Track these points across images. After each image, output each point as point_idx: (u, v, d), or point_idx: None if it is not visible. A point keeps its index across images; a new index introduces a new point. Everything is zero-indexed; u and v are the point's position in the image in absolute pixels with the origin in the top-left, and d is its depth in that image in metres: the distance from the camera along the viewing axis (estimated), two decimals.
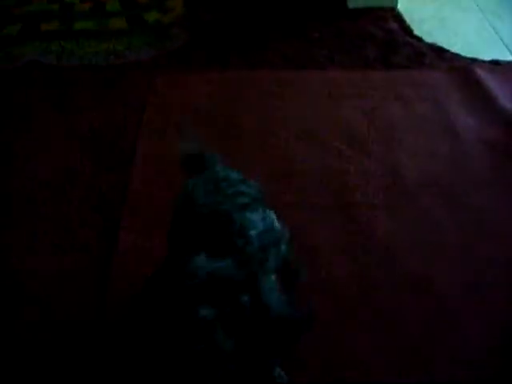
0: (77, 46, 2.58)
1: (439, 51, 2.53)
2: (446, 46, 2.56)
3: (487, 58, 2.48)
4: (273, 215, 1.36)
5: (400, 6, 2.84)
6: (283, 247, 1.37)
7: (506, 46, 2.59)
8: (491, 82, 2.32)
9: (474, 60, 2.47)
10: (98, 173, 1.97)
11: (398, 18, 2.78)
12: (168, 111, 2.21)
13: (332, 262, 1.65)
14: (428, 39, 2.61)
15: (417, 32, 2.66)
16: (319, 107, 2.23)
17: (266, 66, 2.47)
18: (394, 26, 2.73)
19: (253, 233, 1.23)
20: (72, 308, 1.56)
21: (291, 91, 2.31)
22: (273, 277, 1.23)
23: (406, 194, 1.87)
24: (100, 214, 1.82)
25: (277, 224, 1.36)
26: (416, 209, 1.82)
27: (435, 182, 1.90)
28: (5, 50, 2.55)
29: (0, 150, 2.08)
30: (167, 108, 2.23)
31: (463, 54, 2.52)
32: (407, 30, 2.68)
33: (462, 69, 2.41)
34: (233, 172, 1.38)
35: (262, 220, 1.28)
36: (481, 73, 2.37)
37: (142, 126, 2.13)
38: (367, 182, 1.89)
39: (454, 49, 2.54)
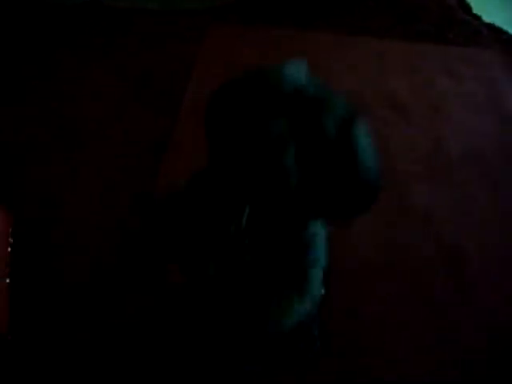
0: None
1: (497, 32, 2.49)
2: (505, 27, 2.52)
3: None
4: None
5: None
6: None
7: None
8: None
9: None
10: (145, 114, 2.01)
11: None
12: (218, 63, 2.24)
13: (366, 223, 1.68)
14: (487, 19, 2.58)
15: (476, 10, 2.62)
16: (369, 74, 2.22)
17: (318, 30, 2.48)
18: (453, 2, 2.69)
19: None
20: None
21: (342, 55, 2.31)
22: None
23: (446, 166, 1.87)
24: (143, 152, 1.89)
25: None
26: (454, 181, 1.83)
27: (477, 158, 1.90)
28: None
29: (50, 85, 2.14)
30: (217, 59, 2.25)
31: None
32: (466, 8, 2.63)
33: None
34: None
35: None
36: None
37: (192, 74, 2.17)
38: (409, 149, 1.91)
39: None
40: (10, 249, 1.52)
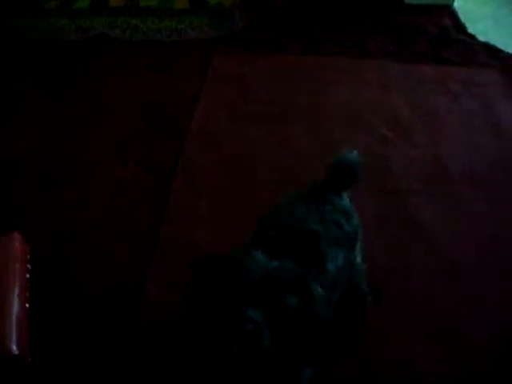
0: (141, 22, 2.72)
1: (492, 50, 2.57)
2: (499, 45, 2.59)
3: None
4: (357, 255, 1.44)
5: (456, 4, 2.88)
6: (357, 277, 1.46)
7: None
8: None
9: None
10: (153, 139, 2.10)
11: (453, 16, 2.81)
12: (224, 89, 2.33)
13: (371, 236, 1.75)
14: (482, 38, 2.65)
15: (471, 30, 2.69)
16: (369, 95, 2.31)
17: (321, 54, 2.57)
18: (448, 22, 2.77)
19: (330, 266, 1.27)
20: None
21: (344, 78, 2.40)
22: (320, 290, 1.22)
23: (447, 184, 1.93)
24: (153, 175, 1.96)
25: (358, 260, 1.45)
26: (456, 198, 1.89)
27: (477, 176, 1.96)
28: (76, 22, 2.72)
29: (65, 113, 2.25)
30: (223, 85, 2.35)
31: None
32: (461, 28, 2.72)
33: None
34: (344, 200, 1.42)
35: (343, 258, 1.31)
36: None
37: (198, 100, 2.25)
38: (410, 168, 1.97)
39: (509, 49, 2.57)
40: (28, 275, 1.59)
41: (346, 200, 1.43)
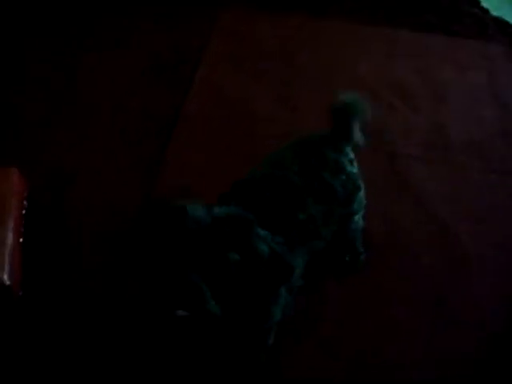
0: None
1: (504, 25, 2.53)
2: None
3: None
4: (356, 212, 1.46)
5: None
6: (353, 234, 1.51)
7: None
8: None
9: None
10: (156, 89, 2.09)
11: None
12: (230, 44, 2.30)
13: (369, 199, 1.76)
14: (495, 13, 2.62)
15: (484, 4, 2.66)
16: (375, 61, 2.28)
17: (329, 18, 2.54)
18: None
19: (301, 216, 1.26)
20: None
21: (350, 43, 2.37)
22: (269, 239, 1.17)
23: (446, 151, 1.94)
24: (153, 124, 1.96)
25: (356, 218, 1.47)
26: (453, 166, 1.89)
27: (476, 144, 1.96)
28: None
29: (68, 63, 2.21)
30: (230, 40, 2.31)
31: None
32: (474, 1, 2.68)
33: None
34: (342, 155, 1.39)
35: (321, 212, 1.30)
36: None
37: (203, 53, 2.22)
38: (411, 134, 1.97)
39: None
40: (24, 211, 1.60)
41: (344, 156, 1.39)
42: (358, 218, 1.48)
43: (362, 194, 1.44)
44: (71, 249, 1.61)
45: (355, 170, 1.41)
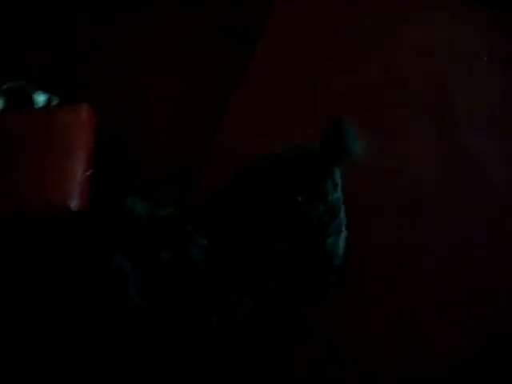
0: None
1: None
2: None
3: None
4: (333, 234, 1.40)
5: None
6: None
7: None
8: None
9: None
10: (221, 48, 2.12)
11: None
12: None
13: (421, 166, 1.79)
14: None
15: None
16: (441, 30, 2.22)
17: None
18: None
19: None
20: None
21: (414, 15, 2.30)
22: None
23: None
24: (218, 79, 2.01)
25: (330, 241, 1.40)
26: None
27: None
28: None
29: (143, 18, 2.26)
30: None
31: None
32: None
33: None
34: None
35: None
36: None
37: (270, 14, 2.22)
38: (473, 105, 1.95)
39: None
40: (93, 144, 1.70)
41: (329, 179, 1.30)
42: (331, 241, 1.40)
43: (339, 219, 1.36)
44: (136, 179, 1.72)
45: (338, 194, 1.32)
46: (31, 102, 1.80)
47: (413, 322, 1.51)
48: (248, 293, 1.26)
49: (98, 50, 2.11)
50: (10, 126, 1.65)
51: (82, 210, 1.54)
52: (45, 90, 1.86)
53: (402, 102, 1.93)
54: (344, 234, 1.39)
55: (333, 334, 1.49)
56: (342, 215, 1.35)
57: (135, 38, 2.15)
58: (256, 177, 1.30)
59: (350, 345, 1.47)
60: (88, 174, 1.61)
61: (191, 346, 1.43)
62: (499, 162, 1.79)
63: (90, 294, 1.37)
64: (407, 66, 2.06)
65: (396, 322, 1.51)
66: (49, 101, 1.84)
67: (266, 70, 2.02)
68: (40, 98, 1.83)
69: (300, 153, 1.32)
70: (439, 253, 1.61)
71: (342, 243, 1.41)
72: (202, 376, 1.42)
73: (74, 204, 1.52)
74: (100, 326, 1.42)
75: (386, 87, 1.97)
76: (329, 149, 1.29)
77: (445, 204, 1.69)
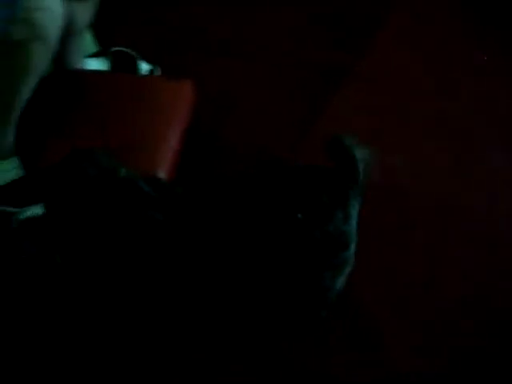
0: None
1: None
2: None
3: None
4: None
5: None
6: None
7: None
8: None
9: None
10: (332, 45, 2.07)
11: None
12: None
13: None
14: None
15: None
16: None
17: None
18: None
19: None
20: None
21: None
22: None
23: None
24: (321, 76, 1.97)
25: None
26: None
27: None
28: None
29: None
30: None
31: None
32: None
33: None
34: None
35: None
36: None
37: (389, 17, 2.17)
38: None
39: None
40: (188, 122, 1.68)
41: (343, 208, 1.15)
42: (330, 274, 1.23)
43: (347, 254, 1.20)
44: (224, 163, 1.70)
45: (349, 227, 1.17)
46: (135, 68, 1.81)
47: None
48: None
49: (203, 33, 2.10)
50: (113, 85, 1.66)
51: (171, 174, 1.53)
52: (146, 60, 1.87)
53: None
54: (348, 270, 1.24)
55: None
56: (352, 251, 1.20)
57: (244, 24, 2.14)
58: (261, 183, 1.21)
59: None
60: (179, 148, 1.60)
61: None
62: None
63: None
64: None
65: None
66: (151, 71, 1.84)
67: (375, 73, 1.97)
68: (144, 67, 1.84)
69: (315, 170, 1.20)
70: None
71: (342, 279, 1.25)
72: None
73: (163, 175, 1.51)
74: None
75: None
76: (341, 174, 1.17)
77: None
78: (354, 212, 1.16)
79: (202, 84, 1.84)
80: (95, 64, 1.79)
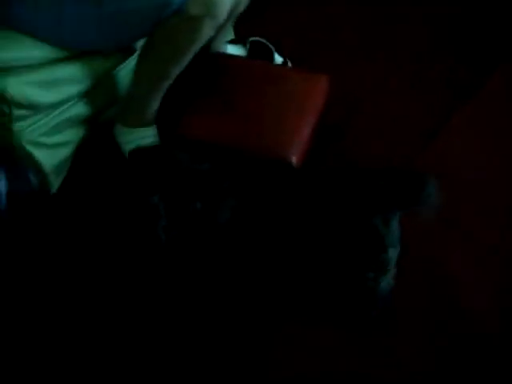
0: None
1: None
2: None
3: None
4: None
5: None
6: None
7: None
8: None
9: None
10: (461, 62, 2.06)
11: None
12: None
13: None
14: None
15: None
16: None
17: None
18: None
19: None
20: None
21: None
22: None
23: None
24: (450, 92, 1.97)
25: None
26: None
27: None
28: None
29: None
30: None
31: None
32: None
33: None
34: None
35: None
36: None
37: None
38: None
39: None
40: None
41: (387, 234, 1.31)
42: (373, 275, 1.35)
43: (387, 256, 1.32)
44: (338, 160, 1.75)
45: (389, 232, 1.29)
46: (271, 58, 1.88)
47: None
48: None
49: (339, 32, 2.15)
50: (252, 71, 1.74)
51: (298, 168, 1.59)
52: (279, 53, 1.94)
53: None
54: (392, 274, 1.36)
55: None
56: (391, 254, 1.32)
57: (382, 30, 2.17)
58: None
59: None
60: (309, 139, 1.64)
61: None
62: None
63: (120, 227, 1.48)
64: None
65: None
66: (284, 63, 1.91)
67: (503, 98, 1.95)
68: (277, 58, 1.91)
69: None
70: None
71: (387, 281, 1.37)
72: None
73: (294, 161, 1.57)
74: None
75: None
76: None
77: None
78: (395, 219, 1.28)
79: (332, 82, 1.89)
80: (233, 50, 1.88)
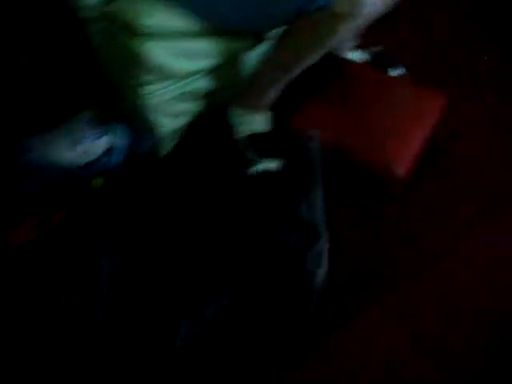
0: None
1: None
2: None
3: None
4: None
5: None
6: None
7: None
8: None
9: None
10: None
11: None
12: None
13: None
14: None
15: None
16: None
17: None
18: None
19: None
20: None
21: None
22: None
23: None
24: None
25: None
26: None
27: None
28: None
29: None
30: None
31: None
32: None
33: None
34: None
35: None
36: None
37: None
38: None
39: None
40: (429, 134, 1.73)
41: None
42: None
43: None
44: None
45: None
46: (391, 68, 1.90)
47: None
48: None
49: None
50: (371, 78, 1.79)
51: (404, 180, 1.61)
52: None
53: None
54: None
55: None
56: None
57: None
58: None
59: None
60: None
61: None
62: None
63: None
64: None
65: None
66: (402, 75, 1.93)
67: None
68: (394, 71, 1.93)
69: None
70: None
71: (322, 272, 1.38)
72: None
73: (401, 173, 1.59)
74: None
75: None
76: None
77: None
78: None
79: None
80: (355, 55, 1.92)
